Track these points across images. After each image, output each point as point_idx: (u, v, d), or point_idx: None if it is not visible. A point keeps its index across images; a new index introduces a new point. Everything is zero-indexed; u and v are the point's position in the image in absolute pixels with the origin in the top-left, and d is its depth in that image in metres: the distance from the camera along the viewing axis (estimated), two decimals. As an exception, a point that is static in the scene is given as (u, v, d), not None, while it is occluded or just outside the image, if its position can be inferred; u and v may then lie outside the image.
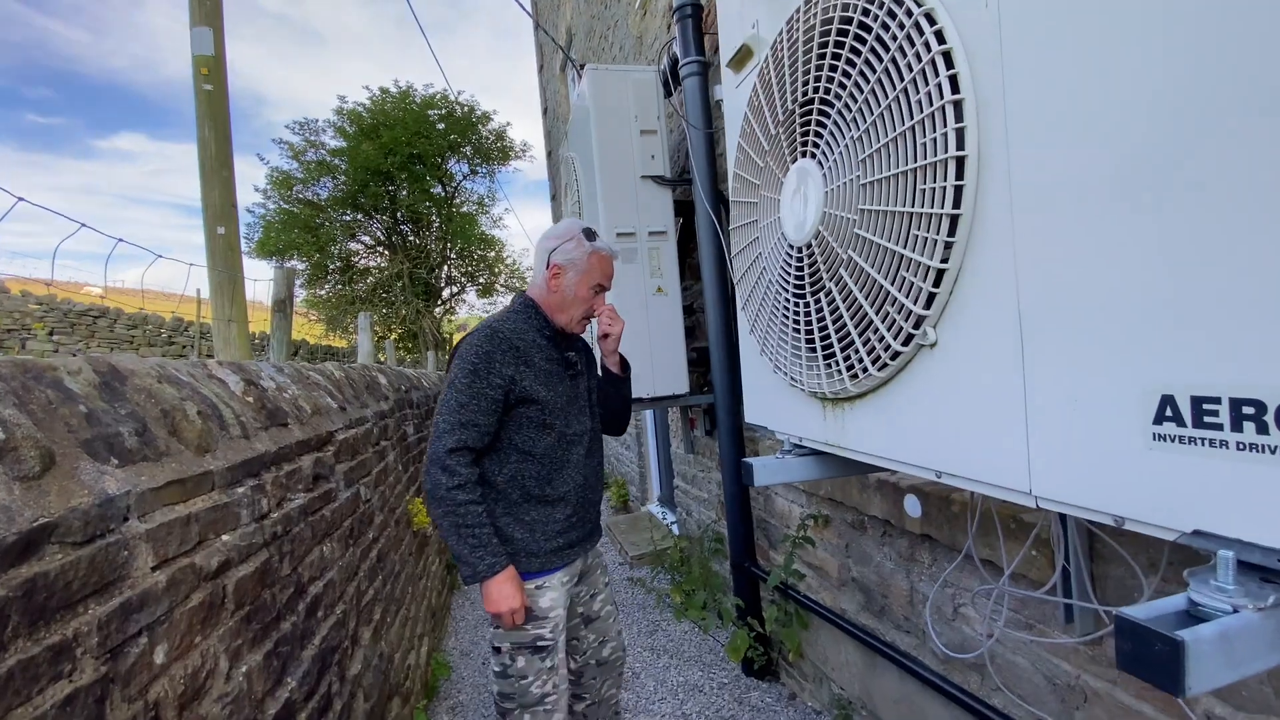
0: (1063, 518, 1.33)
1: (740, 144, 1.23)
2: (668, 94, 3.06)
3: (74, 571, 0.80)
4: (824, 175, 0.94)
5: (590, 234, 1.69)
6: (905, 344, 0.82)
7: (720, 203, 2.86)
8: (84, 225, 1.42)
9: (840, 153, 0.90)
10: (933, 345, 0.79)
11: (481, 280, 18.03)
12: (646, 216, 2.98)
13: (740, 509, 2.83)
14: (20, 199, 1.26)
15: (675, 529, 4.49)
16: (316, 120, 15.20)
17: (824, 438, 1.06)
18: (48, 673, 0.74)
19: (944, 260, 0.74)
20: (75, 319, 9.77)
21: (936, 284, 0.76)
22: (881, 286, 0.83)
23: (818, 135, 0.96)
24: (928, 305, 0.78)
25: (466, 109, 15.61)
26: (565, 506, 1.67)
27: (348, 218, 15.19)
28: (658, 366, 2.97)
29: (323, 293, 15.15)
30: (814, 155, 0.97)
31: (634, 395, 2.94)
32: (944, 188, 0.73)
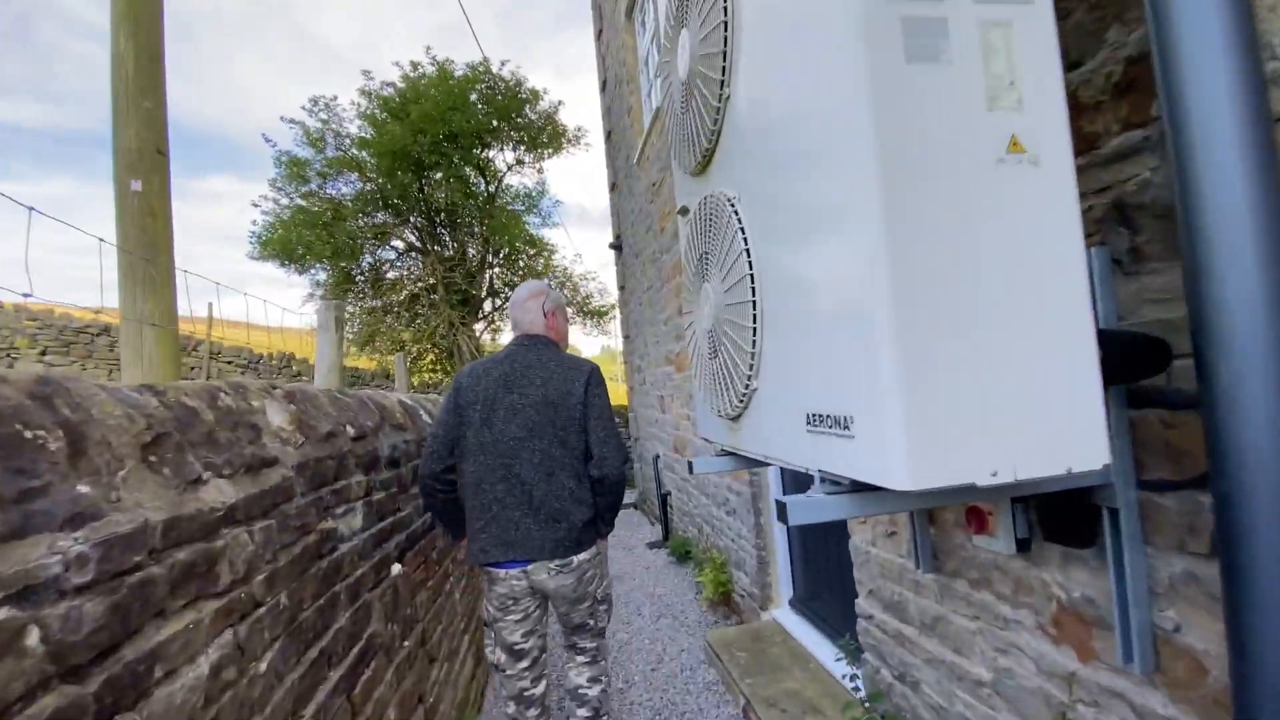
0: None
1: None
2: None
3: None
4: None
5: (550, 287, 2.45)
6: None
7: None
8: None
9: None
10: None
11: (530, 290, 15.49)
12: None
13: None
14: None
15: (859, 687, 2.29)
16: (336, 98, 12.76)
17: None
18: None
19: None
20: (72, 336, 8.69)
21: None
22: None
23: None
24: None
25: (512, 82, 13.16)
26: None
27: (377, 218, 13.16)
28: (1001, 377, 0.81)
29: (351, 309, 13.13)
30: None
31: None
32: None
